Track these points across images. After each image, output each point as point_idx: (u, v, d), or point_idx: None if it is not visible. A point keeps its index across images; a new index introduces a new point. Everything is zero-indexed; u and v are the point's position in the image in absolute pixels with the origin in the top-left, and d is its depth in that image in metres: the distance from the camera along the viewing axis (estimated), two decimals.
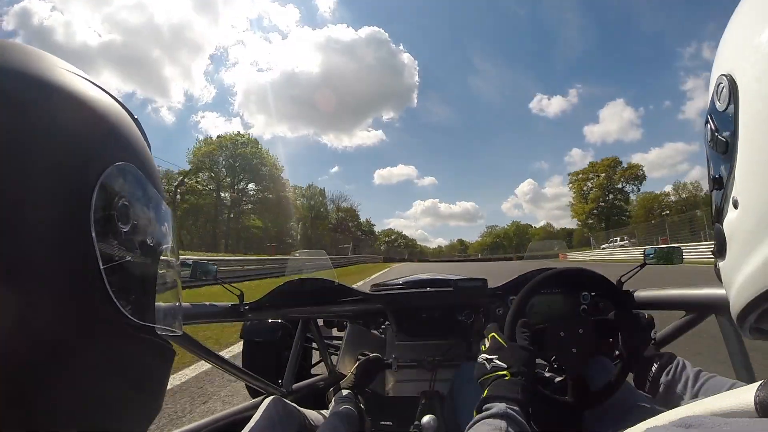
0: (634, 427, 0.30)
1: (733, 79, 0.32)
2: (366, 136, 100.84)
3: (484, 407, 0.70)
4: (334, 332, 2.36)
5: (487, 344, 0.85)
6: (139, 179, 0.32)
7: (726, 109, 0.33)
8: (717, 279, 0.43)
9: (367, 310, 1.60)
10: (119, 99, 0.35)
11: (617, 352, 1.03)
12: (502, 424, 0.63)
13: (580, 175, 57.69)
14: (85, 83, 0.31)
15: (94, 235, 0.26)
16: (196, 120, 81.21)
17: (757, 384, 0.28)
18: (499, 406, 0.67)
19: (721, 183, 0.35)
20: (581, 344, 0.96)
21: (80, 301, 0.26)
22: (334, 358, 1.91)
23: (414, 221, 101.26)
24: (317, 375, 1.92)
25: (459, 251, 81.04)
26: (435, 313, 1.61)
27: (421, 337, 1.76)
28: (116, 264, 0.28)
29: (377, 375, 1.66)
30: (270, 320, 1.89)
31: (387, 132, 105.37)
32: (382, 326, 1.93)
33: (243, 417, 1.20)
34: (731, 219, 0.35)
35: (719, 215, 0.37)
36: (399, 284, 1.75)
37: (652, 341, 0.95)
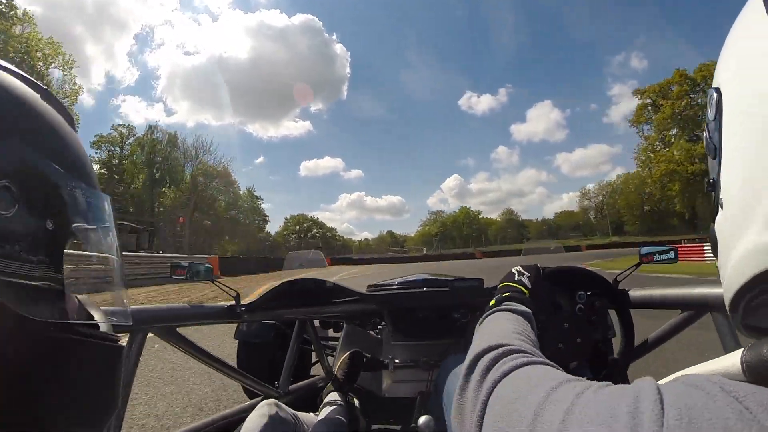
0: (669, 377, 0.31)
1: (720, 93, 0.37)
2: (293, 127, 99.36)
3: (503, 303, 0.71)
4: (330, 333, 2.35)
5: (525, 266, 0.87)
6: (28, 156, 0.28)
7: (714, 118, 0.38)
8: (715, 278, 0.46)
9: (363, 311, 1.60)
10: (22, 74, 0.32)
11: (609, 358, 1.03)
12: (520, 317, 0.63)
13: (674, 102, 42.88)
14: None
15: None
16: (116, 104, 74.41)
17: (742, 349, 0.31)
18: (515, 305, 0.68)
19: (714, 186, 0.39)
20: (567, 341, 0.96)
21: None
22: (330, 359, 1.90)
23: (340, 214, 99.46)
24: (314, 376, 1.91)
25: (390, 244, 75.96)
26: (431, 314, 1.61)
27: (417, 338, 1.76)
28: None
29: (361, 370, 1.66)
30: (264, 321, 1.89)
31: (315, 123, 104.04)
32: (379, 327, 1.93)
33: (239, 419, 1.19)
34: (719, 219, 0.38)
35: (713, 216, 0.40)
36: (395, 284, 1.75)
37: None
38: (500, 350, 0.44)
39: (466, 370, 0.45)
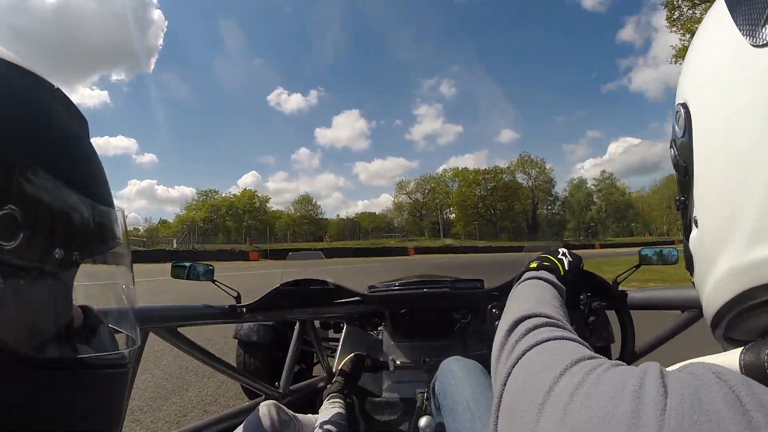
0: (678, 365, 0.31)
1: (688, 109, 0.35)
2: (88, 95, 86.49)
3: (542, 270, 0.71)
4: (331, 334, 2.35)
5: (572, 251, 0.87)
6: (43, 181, 0.25)
7: (683, 135, 0.36)
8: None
9: (363, 311, 1.60)
10: (30, 68, 0.27)
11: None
12: (555, 290, 0.63)
13: None
14: None
15: None
16: None
17: (741, 348, 0.31)
18: (550, 276, 0.69)
19: (684, 204, 0.39)
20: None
21: None
22: (330, 359, 1.90)
23: (128, 203, 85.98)
24: (314, 377, 1.91)
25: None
26: (431, 314, 1.61)
27: (417, 338, 1.76)
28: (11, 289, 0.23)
29: (363, 372, 1.66)
30: (264, 322, 1.89)
31: (113, 95, 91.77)
32: (379, 327, 1.93)
33: (238, 419, 1.19)
34: (693, 237, 0.38)
35: (686, 234, 0.40)
36: (395, 285, 1.75)
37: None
38: (537, 320, 0.44)
39: (503, 334, 0.45)
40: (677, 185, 0.41)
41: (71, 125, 0.30)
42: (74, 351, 0.28)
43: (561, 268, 0.77)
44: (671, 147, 0.40)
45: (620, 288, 1.21)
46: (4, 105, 0.25)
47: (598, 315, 1.20)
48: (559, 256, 0.81)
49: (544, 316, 0.45)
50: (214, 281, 1.29)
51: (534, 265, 0.75)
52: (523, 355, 0.39)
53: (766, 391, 0.24)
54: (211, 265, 1.29)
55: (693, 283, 0.43)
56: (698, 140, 0.34)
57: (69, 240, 0.27)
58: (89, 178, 0.30)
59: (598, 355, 0.35)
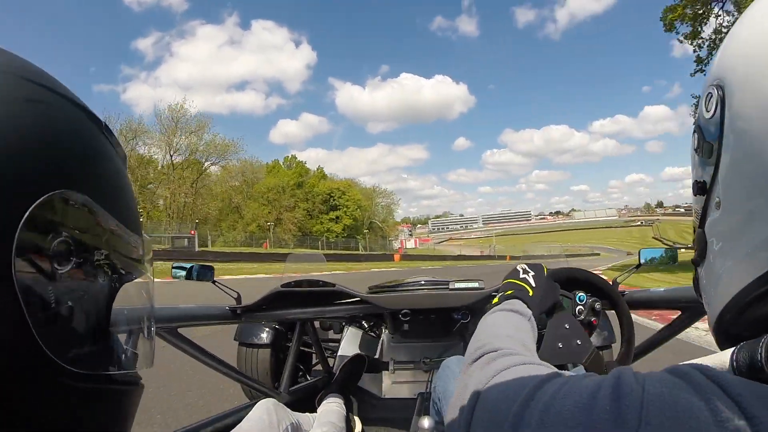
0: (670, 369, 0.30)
1: (722, 87, 0.35)
2: None
3: (504, 298, 0.71)
4: (330, 335, 2.35)
5: (531, 265, 0.85)
6: (90, 209, 0.27)
7: (713, 115, 0.36)
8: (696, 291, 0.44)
9: (363, 312, 1.60)
10: (81, 102, 0.29)
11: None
12: (521, 317, 0.63)
13: None
14: (35, 89, 0.26)
15: (15, 280, 0.22)
16: None
17: (733, 348, 0.31)
18: (517, 303, 0.68)
19: (704, 188, 0.38)
20: (567, 342, 0.96)
21: (12, 360, 0.22)
22: (331, 360, 1.91)
23: None
24: (314, 377, 1.91)
25: None
26: (431, 315, 1.61)
27: (417, 339, 1.76)
28: (51, 312, 0.24)
29: (362, 373, 1.66)
30: (264, 323, 1.89)
31: None
32: (379, 328, 1.93)
33: (237, 418, 1.19)
34: (713, 220, 0.37)
35: (702, 220, 0.40)
36: (395, 286, 1.75)
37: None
38: (493, 353, 0.45)
39: (461, 370, 0.47)
40: (696, 169, 0.41)
41: (116, 158, 0.32)
42: (105, 367, 0.29)
43: (527, 287, 0.76)
44: (695, 131, 0.40)
45: (620, 288, 1.22)
46: (65, 137, 0.27)
47: (598, 315, 1.21)
48: (521, 276, 0.80)
49: (499, 349, 0.47)
50: (214, 282, 1.29)
51: (495, 300, 0.74)
52: (484, 387, 0.39)
53: (748, 386, 0.24)
54: (211, 266, 1.29)
55: (696, 276, 0.43)
56: (733, 120, 0.34)
57: (111, 266, 0.29)
58: (127, 208, 0.32)
59: (564, 372, 0.36)
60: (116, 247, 0.30)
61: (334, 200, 48.38)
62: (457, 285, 1.56)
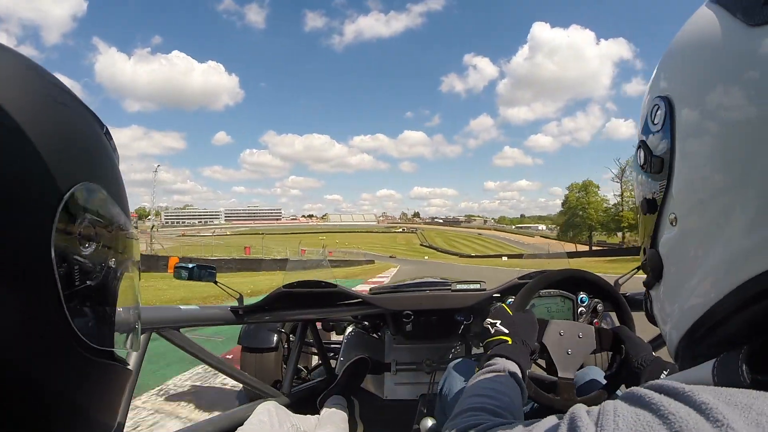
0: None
1: (668, 98, 0.34)
2: None
3: (485, 364, 0.73)
4: (333, 336, 2.35)
5: (494, 312, 0.89)
6: (104, 199, 0.31)
7: (662, 127, 0.34)
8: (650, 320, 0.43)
9: (365, 313, 1.61)
10: (89, 107, 0.33)
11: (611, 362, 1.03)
12: (503, 374, 0.67)
13: None
14: (61, 93, 0.30)
15: (53, 256, 0.25)
16: None
17: (713, 361, 0.30)
18: (500, 361, 0.71)
19: (654, 205, 0.36)
20: (578, 347, 0.96)
21: (39, 327, 0.25)
22: (332, 362, 1.91)
23: None
24: (316, 379, 1.92)
25: None
26: (433, 316, 1.61)
27: (419, 340, 1.76)
28: (77, 288, 0.27)
29: (365, 376, 1.65)
30: (268, 325, 1.89)
31: None
32: (381, 329, 1.93)
33: (240, 420, 1.19)
34: (669, 238, 0.35)
35: (654, 240, 0.38)
36: (397, 287, 1.75)
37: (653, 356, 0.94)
38: (468, 422, 0.51)
39: (448, 427, 0.53)
40: (642, 186, 0.39)
41: (114, 157, 0.35)
42: (111, 343, 0.32)
43: (504, 338, 0.80)
44: (639, 147, 0.38)
45: (621, 289, 1.21)
46: (84, 136, 0.31)
47: (600, 317, 1.20)
48: (492, 331, 0.82)
49: (472, 411, 0.54)
50: (216, 283, 1.29)
51: (477, 369, 0.75)
52: None
53: (717, 394, 0.24)
54: (213, 267, 1.29)
55: (648, 299, 0.41)
56: (684, 131, 0.33)
57: (119, 251, 0.33)
58: (125, 202, 0.35)
59: (532, 421, 0.37)
60: (122, 234, 0.33)
61: None
62: (459, 286, 1.57)
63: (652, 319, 0.42)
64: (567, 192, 59.44)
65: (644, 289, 0.43)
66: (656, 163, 0.35)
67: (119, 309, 0.34)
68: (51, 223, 0.25)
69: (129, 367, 0.36)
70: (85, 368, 0.29)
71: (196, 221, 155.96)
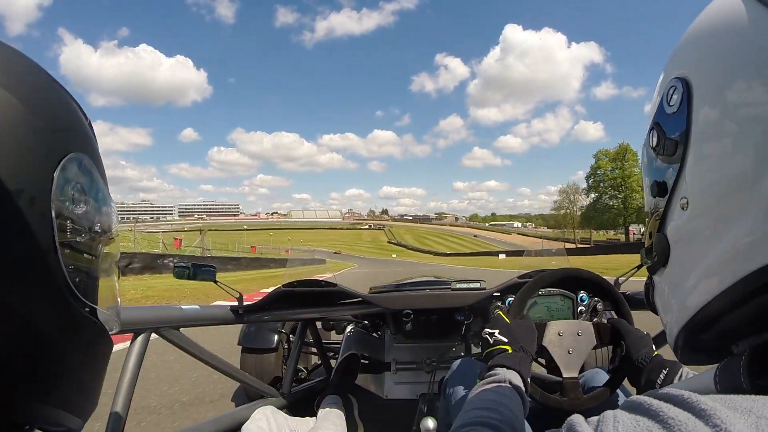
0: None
1: (686, 80, 0.33)
2: None
3: (486, 375, 0.74)
4: (333, 336, 2.35)
5: (491, 321, 0.89)
6: (91, 170, 0.34)
7: (678, 110, 0.34)
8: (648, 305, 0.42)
9: (365, 313, 1.60)
10: (75, 99, 0.37)
11: (612, 358, 1.03)
12: (504, 384, 0.68)
13: None
14: (52, 81, 0.33)
15: (53, 216, 0.28)
16: None
17: (714, 368, 0.30)
18: (501, 372, 0.72)
19: (665, 188, 0.36)
20: (578, 345, 0.96)
21: (45, 286, 0.28)
22: (332, 362, 1.90)
23: None
24: (316, 379, 1.92)
25: None
26: (433, 315, 1.61)
27: (419, 339, 1.76)
28: (71, 245, 0.30)
29: (357, 372, 1.65)
30: (268, 326, 1.89)
31: None
32: (381, 329, 1.93)
33: (239, 421, 1.19)
34: (679, 223, 0.35)
35: (662, 224, 0.37)
36: (397, 286, 1.75)
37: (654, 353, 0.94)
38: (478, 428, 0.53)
39: None
40: (653, 169, 0.38)
41: (92, 135, 0.38)
42: (94, 300, 0.35)
43: (503, 347, 0.80)
44: (653, 129, 0.37)
45: (621, 289, 1.21)
46: (73, 113, 0.34)
47: (600, 316, 1.20)
48: (491, 341, 0.83)
49: (481, 424, 0.55)
50: (216, 282, 1.29)
51: (479, 380, 0.76)
52: None
53: (718, 399, 0.23)
54: (213, 266, 1.29)
55: (651, 284, 0.41)
56: (702, 116, 0.32)
57: (103, 217, 0.36)
58: (105, 177, 0.39)
59: None
60: (105, 207, 0.37)
61: None
62: (459, 285, 1.57)
63: (652, 306, 0.42)
64: (595, 162, 50.69)
65: (644, 289, 0.43)
66: (670, 146, 0.34)
67: (102, 275, 0.36)
68: (50, 184, 0.29)
69: (110, 336, 0.38)
70: (74, 318, 0.31)
71: (149, 217, 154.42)
